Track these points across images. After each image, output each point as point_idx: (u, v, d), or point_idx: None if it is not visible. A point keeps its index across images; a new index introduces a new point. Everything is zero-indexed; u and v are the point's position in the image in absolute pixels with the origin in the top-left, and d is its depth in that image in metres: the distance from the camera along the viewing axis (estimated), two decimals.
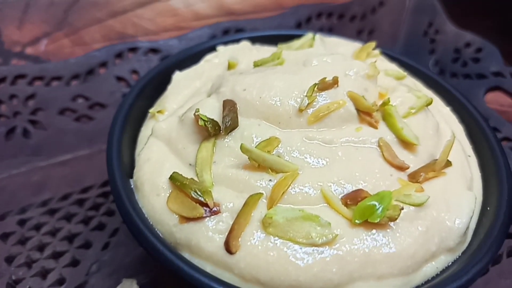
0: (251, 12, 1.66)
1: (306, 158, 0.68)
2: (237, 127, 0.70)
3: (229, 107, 0.71)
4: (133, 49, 1.19)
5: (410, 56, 1.38)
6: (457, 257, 0.67)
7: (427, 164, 0.71)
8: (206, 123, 0.67)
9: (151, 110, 0.81)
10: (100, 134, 1.10)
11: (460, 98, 0.88)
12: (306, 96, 0.71)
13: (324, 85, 0.72)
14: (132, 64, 1.16)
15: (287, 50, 0.94)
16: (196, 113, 0.69)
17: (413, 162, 0.71)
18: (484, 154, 0.80)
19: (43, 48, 1.43)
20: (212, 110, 0.72)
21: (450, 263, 0.66)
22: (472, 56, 1.32)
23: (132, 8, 1.63)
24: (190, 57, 0.94)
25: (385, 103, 0.74)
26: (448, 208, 0.67)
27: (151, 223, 0.66)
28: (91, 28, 1.53)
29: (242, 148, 0.64)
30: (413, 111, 0.76)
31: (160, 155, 0.72)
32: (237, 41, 0.98)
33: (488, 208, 0.72)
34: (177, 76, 0.88)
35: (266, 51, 0.95)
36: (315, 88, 0.72)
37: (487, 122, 0.83)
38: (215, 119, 0.71)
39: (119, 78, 1.14)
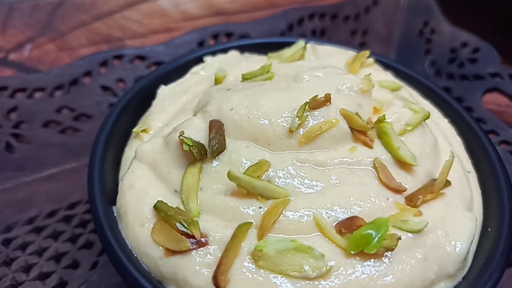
0: (242, 12, 1.61)
1: (297, 182, 0.65)
2: (224, 150, 0.67)
3: (216, 128, 0.67)
4: (118, 57, 1.14)
5: (405, 56, 1.35)
6: (457, 283, 0.64)
7: (425, 185, 0.68)
8: (191, 148, 0.64)
9: (135, 130, 0.77)
10: (87, 146, 1.05)
11: (458, 109, 0.84)
12: (296, 116, 0.67)
13: (315, 104, 0.68)
14: (117, 72, 1.12)
15: (277, 61, 0.90)
16: (181, 137, 0.65)
17: (411, 182, 0.68)
18: (484, 169, 0.77)
19: (27, 54, 1.38)
20: (198, 131, 0.69)
21: None
22: (469, 57, 1.28)
23: (119, 10, 1.58)
24: (176, 69, 0.89)
25: (380, 120, 0.71)
26: (447, 232, 0.64)
27: (135, 255, 0.63)
28: (77, 32, 1.48)
29: (230, 175, 0.61)
30: (409, 128, 0.72)
31: (144, 180, 0.68)
32: (225, 50, 0.94)
33: (489, 229, 0.69)
34: (162, 91, 0.84)
35: (255, 61, 0.91)
36: (306, 107, 0.68)
37: (487, 135, 0.80)
38: (201, 141, 0.67)
39: (105, 88, 1.10)
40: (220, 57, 0.91)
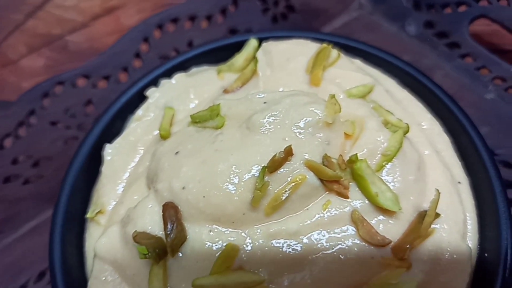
0: None
1: (272, 263, 0.58)
2: (185, 240, 0.60)
3: (171, 218, 0.59)
4: (59, 83, 1.02)
5: None
6: None
7: (411, 228, 0.61)
8: (147, 256, 0.57)
9: (88, 215, 0.70)
10: (56, 189, 1.00)
11: (442, 98, 0.74)
12: (256, 189, 0.58)
13: (275, 164, 0.59)
14: (63, 102, 1.00)
15: (229, 73, 0.79)
16: (135, 244, 0.58)
17: (396, 227, 0.61)
18: (477, 174, 0.69)
19: None
20: (153, 219, 0.61)
21: None
22: None
23: None
24: (118, 115, 0.78)
25: (352, 160, 0.62)
26: (438, 280, 0.59)
27: None
28: (12, 39, 1.32)
29: (194, 285, 0.55)
30: (385, 162, 0.63)
31: (111, 286, 0.63)
32: (168, 73, 0.81)
33: (486, 255, 0.64)
34: (108, 152, 0.74)
35: (204, 83, 0.79)
36: (266, 171, 0.59)
37: (478, 132, 0.70)
38: (157, 231, 0.61)
39: (54, 123, 1.00)
40: (164, 88, 0.79)
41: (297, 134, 0.63)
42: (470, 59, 1.07)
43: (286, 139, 0.62)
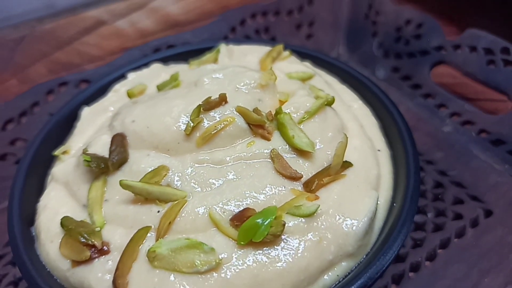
0: (196, 21, 1.64)
1: (195, 183, 0.67)
2: (126, 161, 0.70)
3: (117, 142, 0.70)
4: (64, 83, 1.19)
5: (354, 41, 1.37)
6: (360, 261, 0.65)
7: (323, 169, 0.69)
8: (90, 164, 0.67)
9: (55, 152, 0.81)
10: None
11: (372, 89, 0.85)
12: (190, 119, 0.70)
13: (209, 105, 0.71)
14: (64, 98, 1.15)
15: (196, 67, 0.93)
16: (83, 153, 0.69)
17: (309, 168, 0.69)
18: (396, 147, 0.78)
19: None
20: (104, 147, 0.72)
21: (354, 268, 0.65)
22: (413, 33, 1.28)
23: (78, 37, 1.63)
24: (101, 89, 0.93)
25: (277, 112, 0.73)
26: (344, 212, 0.65)
27: (48, 270, 0.67)
28: (38, 64, 1.54)
29: (122, 184, 0.64)
30: (306, 116, 0.73)
31: (57, 200, 0.72)
32: (148, 64, 0.98)
33: (394, 204, 0.70)
34: (84, 111, 0.88)
35: (176, 70, 0.94)
36: (201, 109, 0.70)
37: (401, 114, 0.80)
38: (106, 155, 0.70)
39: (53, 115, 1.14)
40: (142, 72, 0.95)
41: (235, 90, 0.75)
42: (430, 98, 1.19)
43: (222, 92, 0.74)
